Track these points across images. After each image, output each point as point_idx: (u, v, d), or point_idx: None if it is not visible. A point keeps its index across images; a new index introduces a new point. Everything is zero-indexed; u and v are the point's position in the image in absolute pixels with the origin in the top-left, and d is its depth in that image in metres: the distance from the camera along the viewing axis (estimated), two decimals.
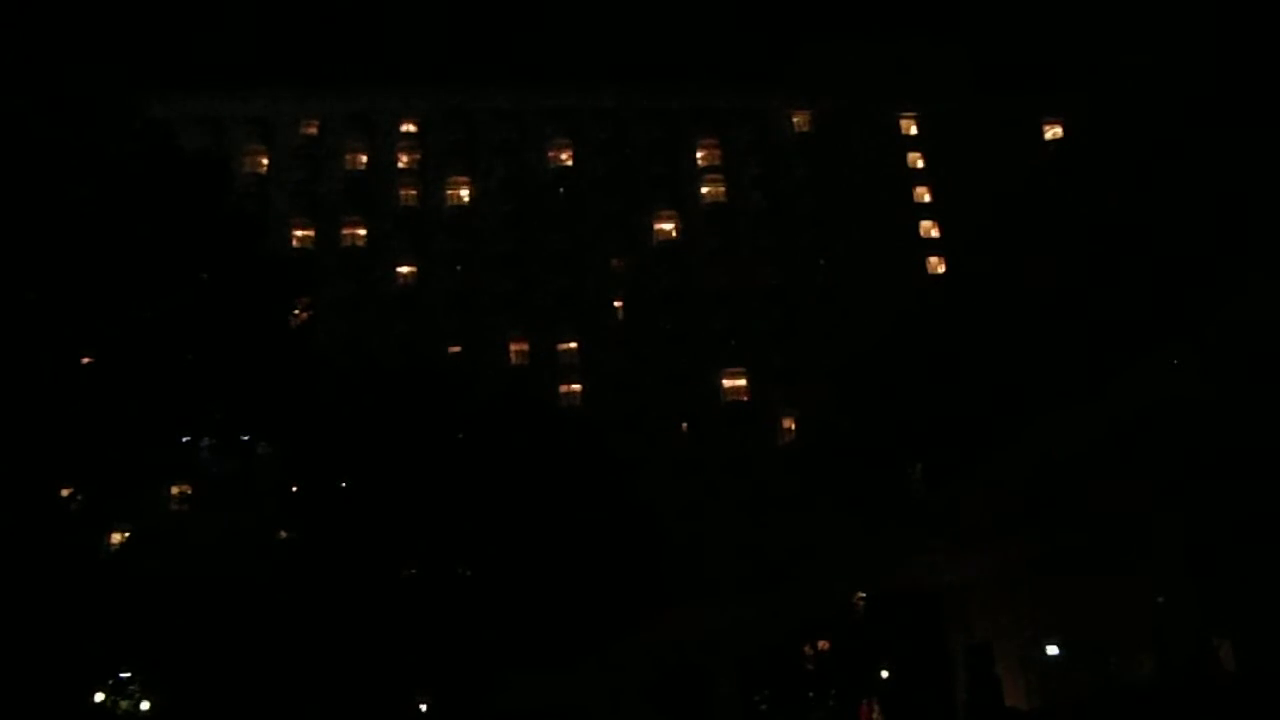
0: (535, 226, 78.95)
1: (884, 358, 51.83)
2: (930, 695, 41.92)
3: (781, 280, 78.60)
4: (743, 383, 76.32)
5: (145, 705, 39.68)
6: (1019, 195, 47.00)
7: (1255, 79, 27.93)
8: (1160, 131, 32.34)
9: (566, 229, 79.07)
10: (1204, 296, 27.73)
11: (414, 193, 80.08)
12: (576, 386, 74.81)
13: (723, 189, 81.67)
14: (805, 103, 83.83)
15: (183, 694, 36.80)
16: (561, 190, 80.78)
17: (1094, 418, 30.60)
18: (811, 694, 53.09)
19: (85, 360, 28.63)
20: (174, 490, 43.08)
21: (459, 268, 77.78)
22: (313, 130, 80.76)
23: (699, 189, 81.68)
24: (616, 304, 77.91)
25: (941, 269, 77.57)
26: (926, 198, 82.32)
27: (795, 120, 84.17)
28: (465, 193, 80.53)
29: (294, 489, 42.25)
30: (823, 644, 54.60)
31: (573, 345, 76.32)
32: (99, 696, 36.78)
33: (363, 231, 78.67)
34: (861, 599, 46.39)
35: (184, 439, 30.97)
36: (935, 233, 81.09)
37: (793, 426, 75.05)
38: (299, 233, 77.31)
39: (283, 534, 42.35)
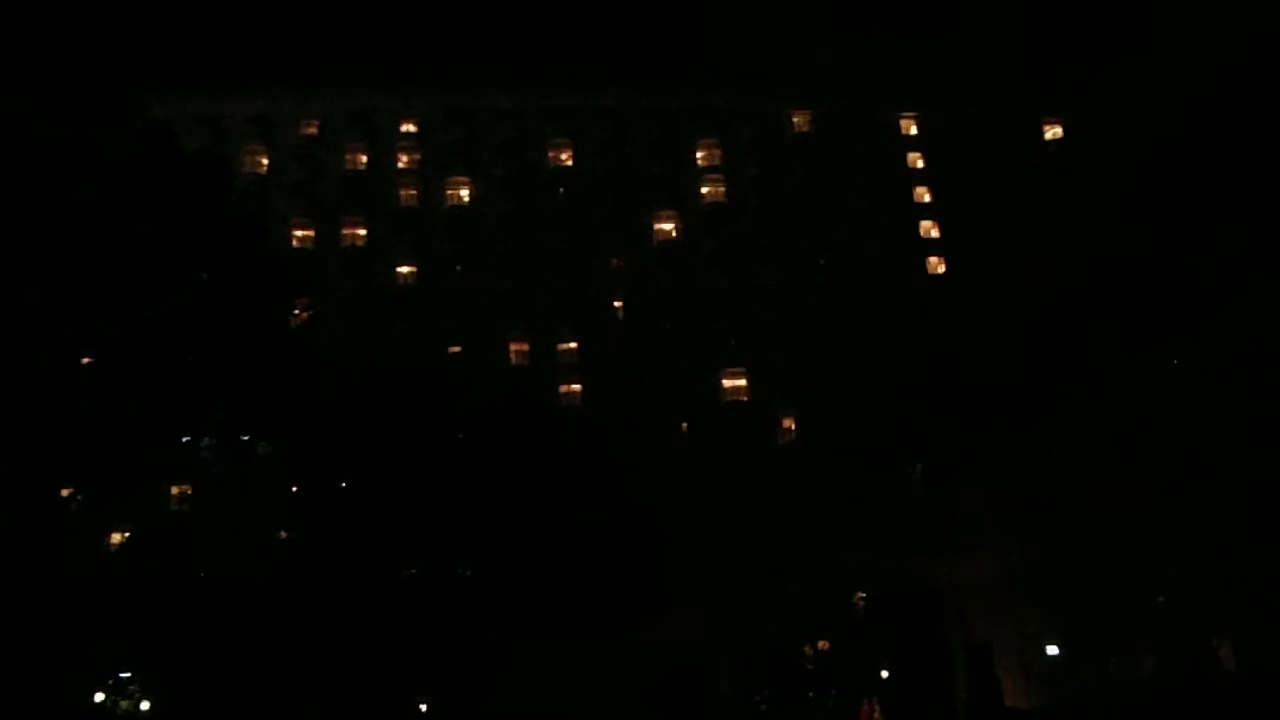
0: (535, 226, 78.97)
1: (884, 358, 51.80)
2: (930, 695, 41.90)
3: (781, 280, 78.62)
4: (743, 383, 76.33)
5: (145, 705, 39.67)
6: (1019, 195, 46.97)
7: (1255, 79, 27.92)
8: (1160, 131, 32.33)
9: (566, 229, 79.08)
10: (1204, 296, 27.72)
11: (414, 193, 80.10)
12: (576, 386, 74.83)
13: (723, 189, 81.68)
14: (805, 103, 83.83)
15: (183, 694, 36.78)
16: (561, 190, 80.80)
17: (1094, 418, 30.58)
18: (811, 694, 53.04)
19: (85, 360, 28.64)
20: (174, 490, 43.10)
21: (459, 268, 77.80)
22: (313, 130, 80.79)
23: (699, 189, 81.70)
24: (616, 304, 77.93)
25: (941, 269, 77.56)
26: (926, 198, 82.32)
27: (795, 120, 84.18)
28: (465, 193, 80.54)
29: (294, 489, 42.25)
30: (823, 644, 54.57)
31: (573, 345, 76.35)
32: (99, 696, 36.78)
33: (363, 231, 78.69)
34: (861, 599, 46.37)
35: (184, 439, 30.98)
36: (935, 233, 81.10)
37: (793, 426, 75.05)
38: (299, 233, 77.33)
39: (283, 534, 42.35)
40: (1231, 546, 27.26)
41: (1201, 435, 27.58)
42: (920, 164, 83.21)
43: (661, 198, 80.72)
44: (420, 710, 44.47)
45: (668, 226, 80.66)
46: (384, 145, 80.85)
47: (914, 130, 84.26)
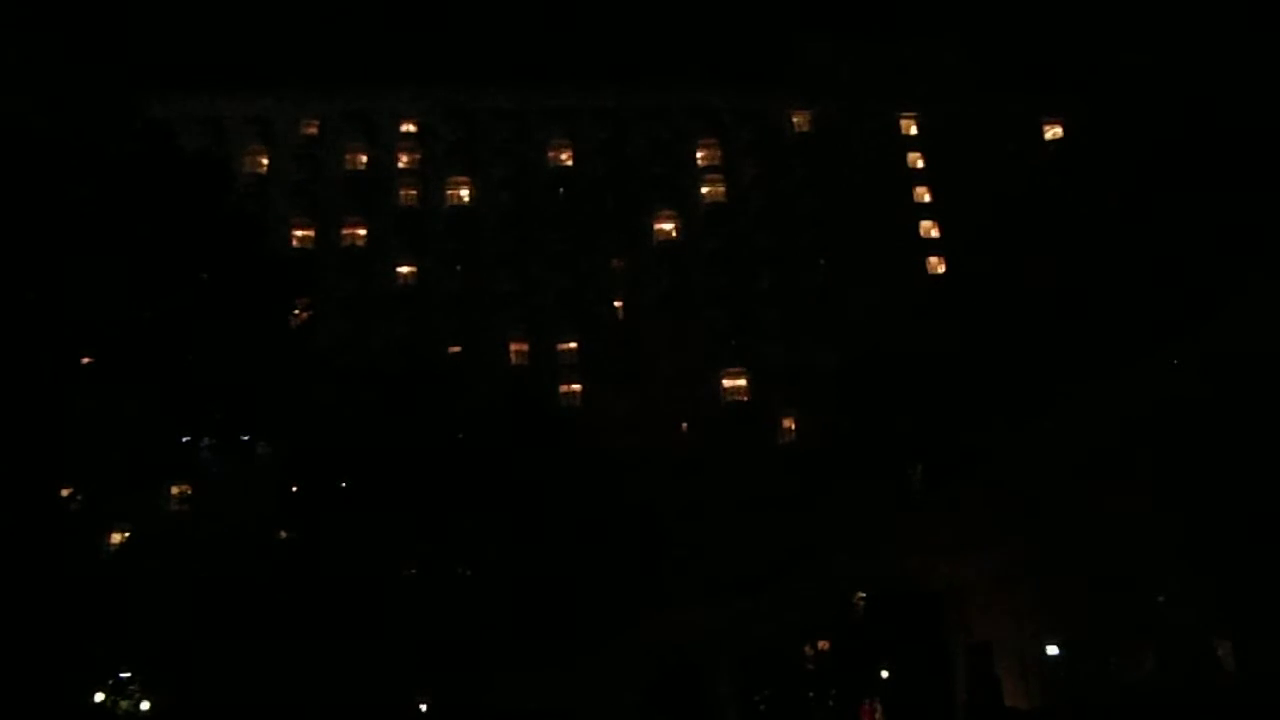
0: (535, 226, 78.94)
1: (884, 358, 51.80)
2: (930, 695, 41.92)
3: (781, 280, 78.58)
4: (743, 383, 76.28)
5: (145, 705, 39.66)
6: (1019, 195, 46.97)
7: (1255, 79, 27.92)
8: (1160, 131, 32.32)
9: (566, 229, 79.05)
10: (1205, 296, 27.71)
11: (414, 193, 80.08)
12: (576, 386, 74.79)
13: (723, 189, 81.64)
14: (805, 103, 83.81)
15: (183, 694, 36.78)
16: (561, 190, 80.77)
17: (1094, 418, 30.57)
18: (811, 694, 53.06)
19: (85, 360, 28.63)
20: (174, 490, 43.09)
21: (459, 268, 77.76)
22: (313, 130, 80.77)
23: (699, 189, 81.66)
24: (616, 304, 77.89)
25: (941, 269, 77.55)
26: (926, 198, 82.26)
27: (795, 120, 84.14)
28: (465, 193, 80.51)
29: (294, 489, 42.24)
30: (823, 644, 54.57)
31: (573, 345, 76.30)
32: (99, 696, 36.77)
33: (363, 231, 78.67)
34: (861, 599, 46.37)
35: (184, 439, 30.97)
36: (935, 233, 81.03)
37: (793, 426, 75.00)
38: (299, 233, 77.31)
39: (283, 534, 42.33)
40: (1231, 546, 27.26)
41: (1201, 435, 27.57)
42: (920, 164, 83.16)
43: (661, 198, 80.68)
44: (420, 710, 44.46)
45: (668, 226, 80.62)
46: (384, 145, 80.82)
47: (914, 130, 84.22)
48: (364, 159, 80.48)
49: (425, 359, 58.24)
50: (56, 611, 27.96)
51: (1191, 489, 28.20)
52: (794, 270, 79.03)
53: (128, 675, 38.01)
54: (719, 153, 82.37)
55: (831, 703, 51.23)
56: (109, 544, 39.23)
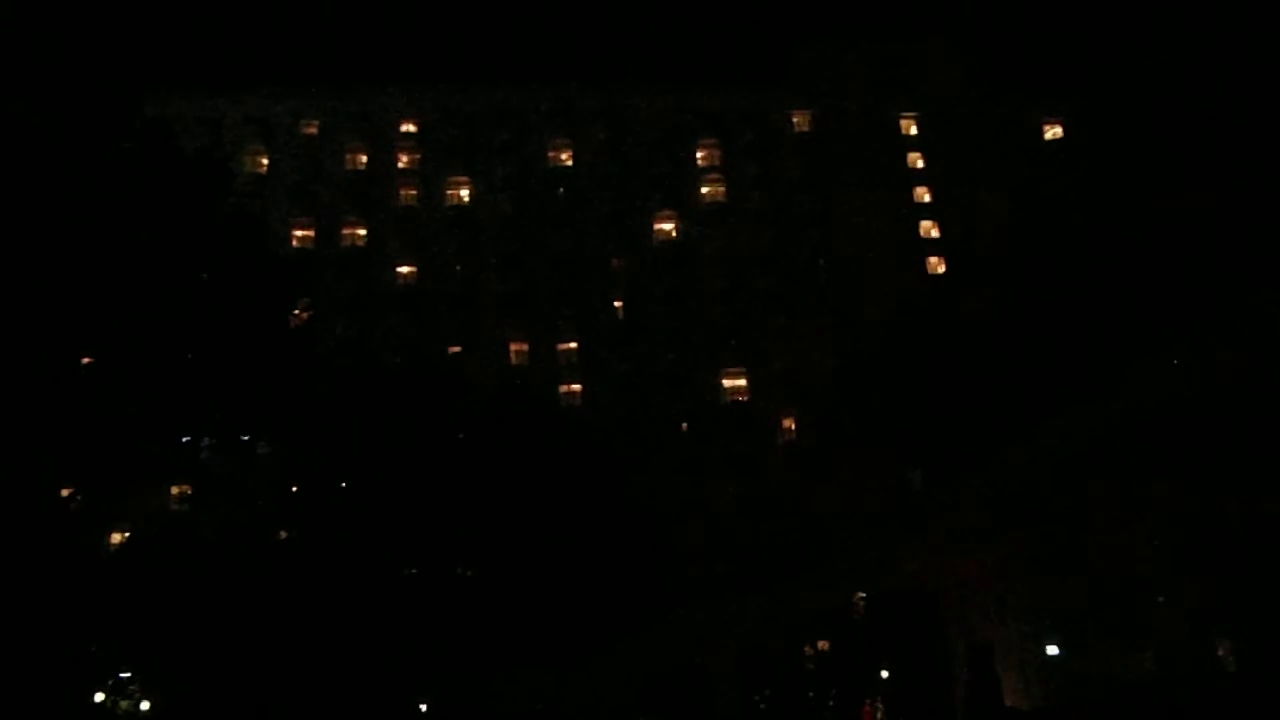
0: (535, 226, 78.93)
1: (884, 357, 51.84)
2: (930, 695, 41.94)
3: (781, 280, 78.57)
4: (743, 383, 76.26)
5: (145, 705, 39.65)
6: (1019, 195, 47.00)
7: (1255, 79, 27.93)
8: (1159, 132, 32.34)
9: (566, 229, 79.05)
10: (1204, 297, 27.73)
11: (414, 193, 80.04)
12: (576, 386, 74.78)
13: (723, 189, 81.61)
14: (805, 103, 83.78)
15: (183, 694, 36.76)
16: (561, 190, 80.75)
17: (1094, 418, 30.59)
18: (812, 694, 53.10)
19: (85, 360, 28.63)
20: (174, 490, 43.09)
21: (459, 268, 77.75)
22: (313, 130, 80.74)
23: (699, 189, 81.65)
24: (616, 304, 77.87)
25: (941, 269, 77.57)
26: (926, 198, 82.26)
27: (795, 120, 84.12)
28: (465, 193, 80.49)
29: (294, 489, 42.22)
30: (823, 644, 54.61)
31: (573, 345, 76.29)
32: (99, 696, 36.76)
33: (363, 231, 78.64)
34: (861, 599, 46.43)
35: (184, 439, 30.97)
36: (935, 233, 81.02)
37: (793, 426, 74.99)
38: (299, 233, 77.28)
39: (283, 534, 42.32)
40: (1231, 546, 27.29)
41: (1201, 435, 27.59)
42: (920, 164, 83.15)
43: (661, 198, 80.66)
44: (420, 710, 44.44)
45: (668, 226, 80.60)
46: (384, 145, 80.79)
47: (914, 130, 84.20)
48: (364, 159, 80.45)
49: (425, 359, 58.22)
50: (56, 611, 27.95)
51: (1191, 489, 28.22)
52: (794, 270, 79.03)
53: (128, 675, 37.98)
54: (719, 153, 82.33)
55: (832, 703, 51.27)
56: (109, 544, 39.24)
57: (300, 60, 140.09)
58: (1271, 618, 25.93)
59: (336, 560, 38.54)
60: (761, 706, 53.21)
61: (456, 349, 72.14)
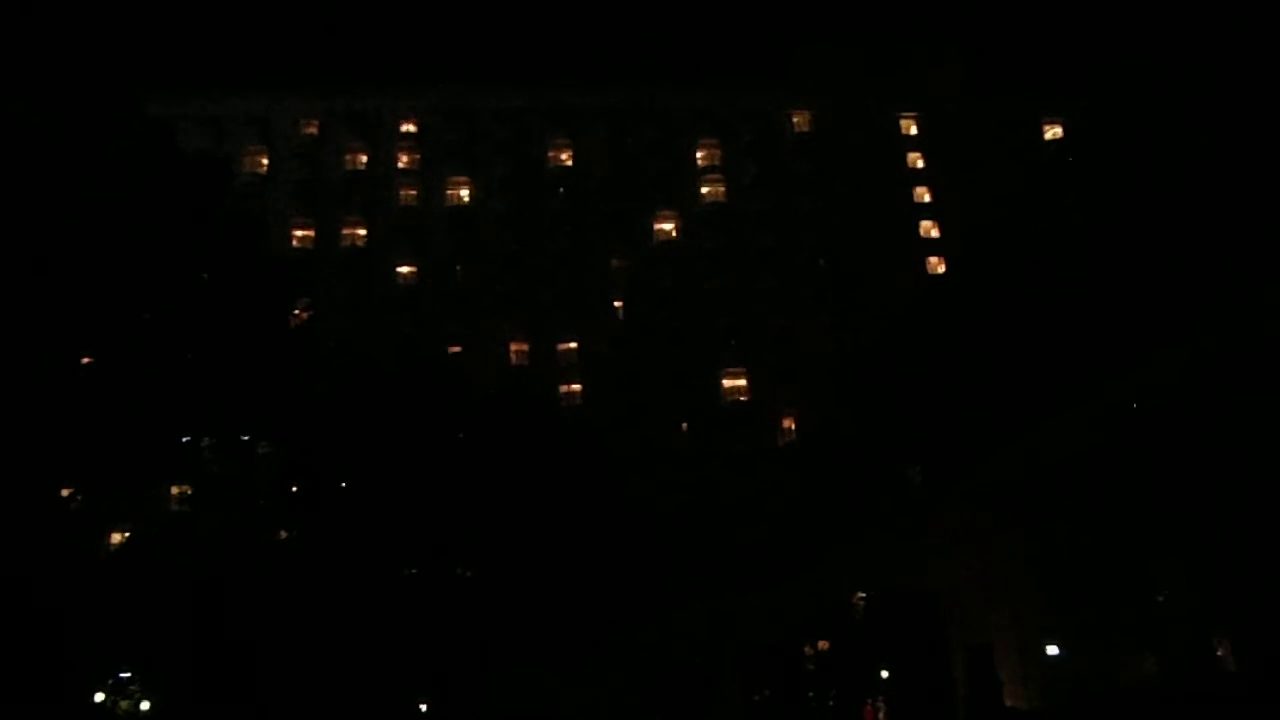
0: (535, 226, 78.97)
1: (884, 358, 51.83)
2: (930, 695, 41.94)
3: (781, 280, 78.59)
4: (743, 383, 76.30)
5: (145, 705, 39.63)
6: (1019, 195, 47.01)
7: (1255, 79, 27.93)
8: (1160, 132, 32.33)
9: (566, 229, 79.09)
10: (1204, 297, 27.73)
11: (414, 193, 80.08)
12: (576, 386, 74.81)
13: (723, 189, 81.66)
14: (805, 103, 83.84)
15: (183, 694, 36.75)
16: (562, 190, 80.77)
17: (1093, 418, 30.59)
18: (812, 694, 53.10)
19: (85, 360, 28.63)
20: (174, 490, 43.02)
21: (459, 268, 77.79)
22: (313, 130, 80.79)
23: (699, 189, 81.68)
24: (616, 304, 77.90)
25: (941, 269, 77.56)
26: (926, 198, 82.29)
27: (795, 120, 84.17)
28: (465, 193, 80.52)
29: (294, 489, 42.20)
30: (823, 644, 54.60)
31: (573, 345, 76.33)
32: (99, 696, 36.75)
33: (363, 231, 78.67)
34: (861, 599, 46.43)
35: (184, 439, 30.95)
36: (935, 233, 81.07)
37: (793, 426, 75.03)
38: (299, 233, 77.32)
39: (283, 534, 42.30)
40: (1231, 546, 27.28)
41: (1201, 435, 27.59)
42: (920, 164, 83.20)
43: (661, 198, 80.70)
44: (420, 710, 44.43)
45: (668, 226, 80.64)
46: (384, 145, 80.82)
47: (914, 130, 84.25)
48: (364, 159, 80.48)
49: (425, 359, 58.14)
50: (56, 611, 27.95)
51: (1192, 489, 28.21)
52: (794, 270, 79.04)
53: (128, 675, 37.97)
54: (719, 153, 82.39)
55: (831, 703, 51.26)
56: (109, 544, 39.20)
57: (300, 60, 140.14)
58: (1271, 618, 25.92)
59: (336, 560, 38.53)
60: (761, 706, 53.19)
61: (456, 349, 72.12)
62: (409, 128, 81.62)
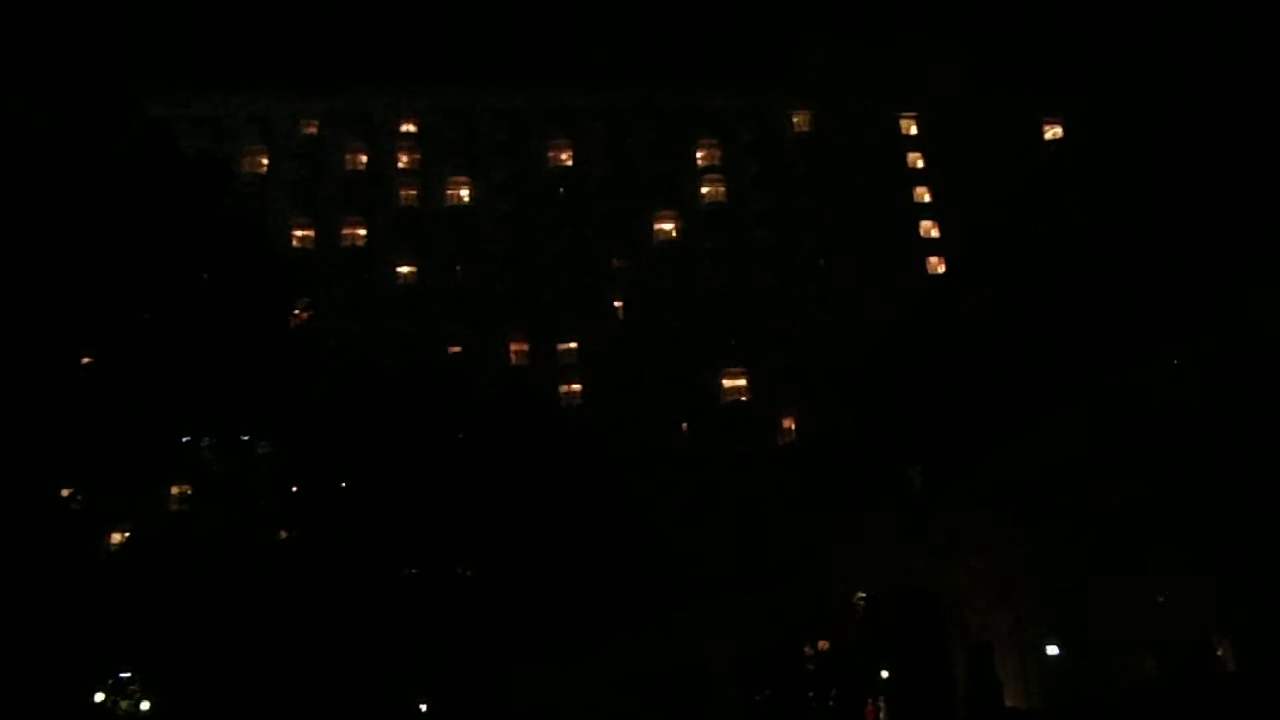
0: (535, 226, 78.97)
1: (884, 358, 51.84)
2: (931, 695, 41.92)
3: (781, 280, 78.61)
4: (743, 383, 76.33)
5: (145, 705, 39.65)
6: (1019, 195, 47.00)
7: (1255, 80, 27.92)
8: (1159, 132, 32.33)
9: (566, 229, 79.09)
10: (1203, 297, 27.72)
11: (414, 193, 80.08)
12: (576, 386, 74.82)
13: (723, 189, 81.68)
14: (805, 103, 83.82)
15: (183, 694, 36.76)
16: (561, 190, 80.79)
17: (1093, 418, 30.59)
18: (811, 694, 53.07)
19: (85, 360, 28.63)
20: (174, 490, 43.08)
21: (459, 268, 77.80)
22: (313, 130, 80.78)
23: (699, 189, 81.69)
24: (616, 304, 77.92)
25: (941, 269, 77.56)
26: (926, 198, 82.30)
27: (795, 120, 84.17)
28: (465, 193, 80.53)
29: (294, 489, 42.22)
30: (823, 644, 54.57)
31: (573, 345, 76.35)
32: (99, 696, 36.75)
33: (363, 231, 78.68)
34: (861, 599, 46.39)
35: (184, 439, 30.95)
36: (935, 233, 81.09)
37: (793, 426, 75.06)
38: (299, 233, 77.32)
39: (283, 534, 42.32)
40: (1231, 547, 27.27)
41: (1201, 436, 27.58)
42: (920, 164, 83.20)
43: (661, 198, 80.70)
44: (420, 710, 44.44)
45: (668, 226, 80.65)
46: (384, 145, 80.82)
47: (914, 130, 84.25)
48: (364, 159, 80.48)
49: (425, 359, 58.15)
50: (56, 611, 27.95)
51: (1192, 489, 28.20)
52: (794, 270, 79.05)
53: (128, 675, 37.98)
54: (719, 153, 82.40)
55: (831, 703, 51.23)
56: (109, 544, 39.23)
57: (300, 60, 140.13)
58: (1271, 618, 25.92)
59: (337, 560, 38.54)
60: (761, 706, 53.17)
61: (456, 349, 72.13)
62: (409, 128, 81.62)
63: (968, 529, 36.96)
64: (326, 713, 37.58)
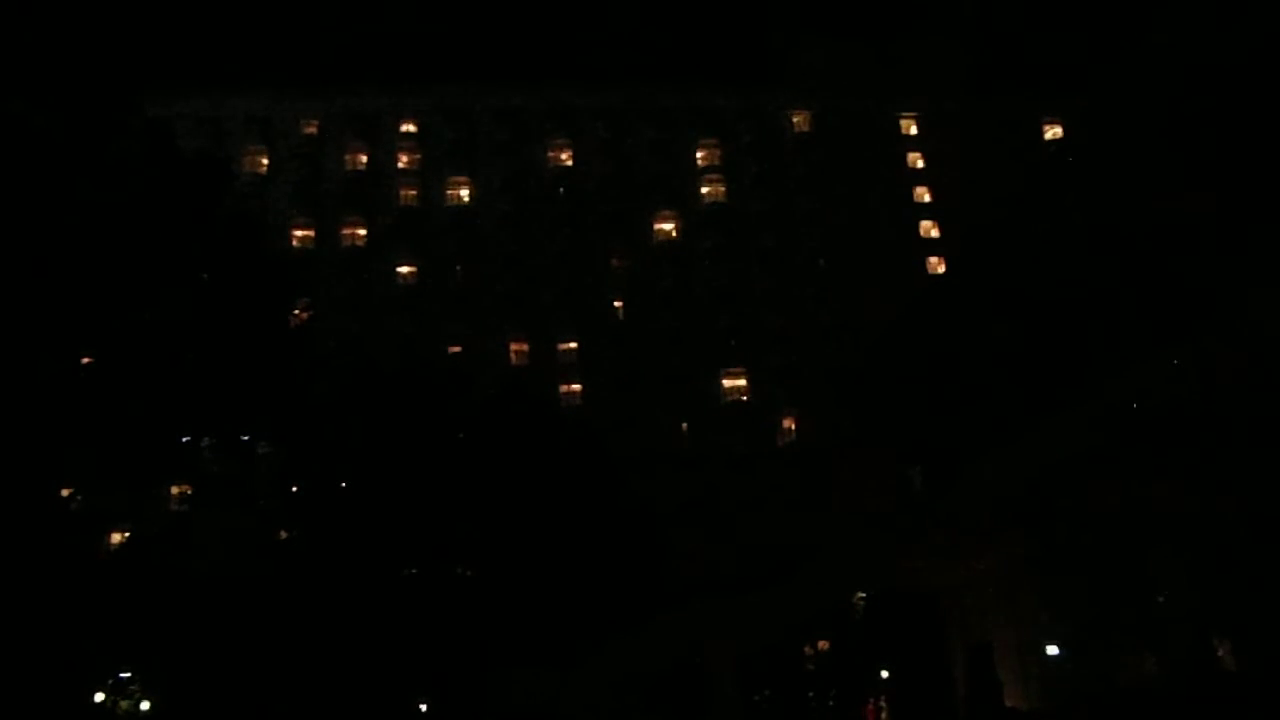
0: (535, 226, 78.98)
1: (884, 358, 51.85)
2: (931, 695, 41.93)
3: (781, 280, 78.62)
4: (743, 383, 76.33)
5: (145, 705, 39.63)
6: (1018, 195, 47.00)
7: (1255, 80, 27.93)
8: (1159, 132, 32.33)
9: (566, 229, 79.11)
10: (1203, 297, 27.72)
11: (414, 193, 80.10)
12: (576, 386, 74.82)
13: (723, 189, 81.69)
14: (805, 103, 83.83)
15: (183, 694, 36.75)
16: (561, 190, 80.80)
17: (1093, 418, 30.58)
18: (811, 694, 53.09)
19: (85, 360, 28.63)
20: (174, 490, 43.03)
21: (459, 268, 77.82)
22: (313, 130, 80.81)
23: (699, 189, 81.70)
24: (616, 304, 77.93)
25: (941, 269, 77.58)
26: (926, 198, 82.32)
27: (795, 120, 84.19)
28: (465, 193, 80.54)
29: (294, 489, 42.20)
30: (823, 644, 54.59)
31: (573, 345, 76.36)
32: (99, 696, 36.74)
33: (363, 231, 78.70)
34: (861, 599, 46.40)
35: (184, 439, 30.94)
36: (935, 233, 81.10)
37: (793, 426, 75.04)
38: (299, 233, 77.34)
39: (283, 534, 42.30)
40: (1231, 547, 27.27)
41: (1201, 436, 27.57)
42: (920, 164, 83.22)
43: (661, 198, 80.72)
44: (420, 710, 44.42)
45: (668, 226, 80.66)
46: (384, 145, 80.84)
47: (914, 130, 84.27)
48: (364, 159, 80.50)
49: (425, 359, 58.12)
50: (56, 611, 27.94)
51: (1191, 489, 28.20)
52: (794, 270, 79.05)
53: (128, 675, 37.96)
54: (719, 153, 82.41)
55: (831, 703, 51.26)
56: (109, 544, 39.20)
57: (300, 60, 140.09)
58: (1271, 618, 25.91)
59: (337, 560, 38.52)
60: (761, 706, 53.19)
61: (456, 349, 72.13)
62: (409, 128, 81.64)
63: (967, 529, 36.94)
64: (327, 713, 37.56)
